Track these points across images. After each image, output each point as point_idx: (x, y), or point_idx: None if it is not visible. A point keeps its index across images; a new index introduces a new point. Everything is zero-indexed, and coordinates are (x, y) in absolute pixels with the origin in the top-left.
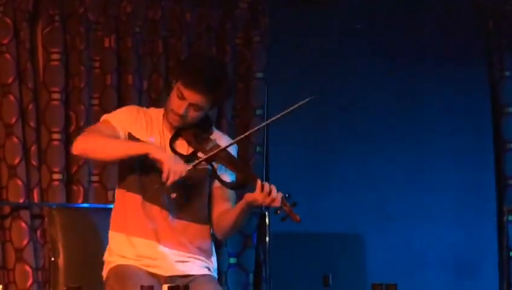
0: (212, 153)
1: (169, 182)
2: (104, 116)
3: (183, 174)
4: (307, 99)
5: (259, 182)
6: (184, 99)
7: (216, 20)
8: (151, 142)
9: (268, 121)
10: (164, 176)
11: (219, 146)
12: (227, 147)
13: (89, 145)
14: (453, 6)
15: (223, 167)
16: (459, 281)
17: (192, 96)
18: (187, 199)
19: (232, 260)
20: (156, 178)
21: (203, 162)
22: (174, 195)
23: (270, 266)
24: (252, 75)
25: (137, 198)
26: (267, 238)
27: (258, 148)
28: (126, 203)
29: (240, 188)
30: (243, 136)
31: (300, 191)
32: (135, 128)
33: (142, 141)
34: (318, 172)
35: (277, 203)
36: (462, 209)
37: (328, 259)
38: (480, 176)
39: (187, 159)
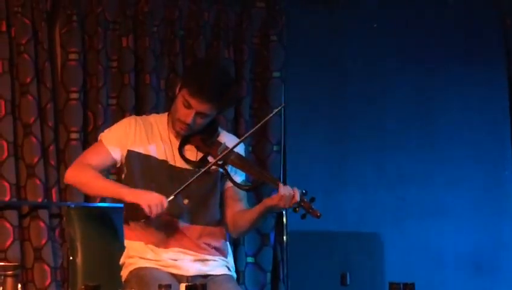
0: (221, 155)
1: (153, 215)
2: (101, 136)
3: (165, 205)
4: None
5: (277, 182)
6: (191, 108)
7: (233, 19)
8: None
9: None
10: (147, 211)
11: (228, 148)
12: (236, 145)
13: (78, 179)
14: (470, 3)
15: (233, 168)
16: (477, 279)
17: (198, 105)
18: (200, 203)
19: (250, 259)
20: (164, 187)
21: (215, 166)
22: (186, 201)
23: (288, 265)
24: (269, 75)
25: None
26: (285, 237)
27: (275, 147)
28: None
29: (254, 189)
30: (246, 135)
31: (317, 190)
32: (134, 141)
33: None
34: (335, 170)
35: (296, 199)
36: (480, 206)
37: (346, 258)
38: (499, 173)
39: (198, 164)
